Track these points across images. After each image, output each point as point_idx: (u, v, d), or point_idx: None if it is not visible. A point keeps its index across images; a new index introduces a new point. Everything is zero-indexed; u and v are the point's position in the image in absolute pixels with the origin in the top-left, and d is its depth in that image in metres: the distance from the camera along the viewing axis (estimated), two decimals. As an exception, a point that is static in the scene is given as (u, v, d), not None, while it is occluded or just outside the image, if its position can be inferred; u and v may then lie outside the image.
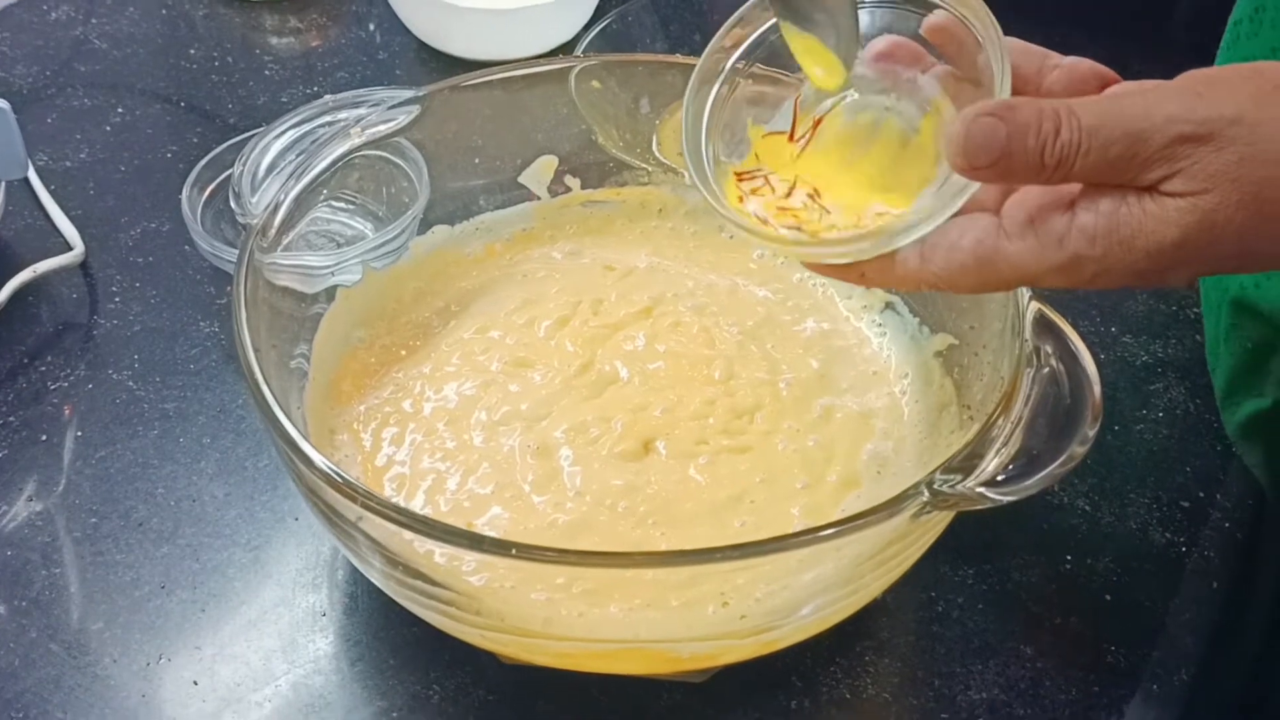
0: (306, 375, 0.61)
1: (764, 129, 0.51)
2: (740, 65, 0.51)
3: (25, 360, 0.70)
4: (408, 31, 0.94)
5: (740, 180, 0.50)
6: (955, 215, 0.44)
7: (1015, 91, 0.44)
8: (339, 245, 0.65)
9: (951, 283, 0.43)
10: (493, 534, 0.55)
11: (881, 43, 0.49)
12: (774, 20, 0.50)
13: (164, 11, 0.98)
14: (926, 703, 0.56)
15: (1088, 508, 0.64)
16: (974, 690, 0.57)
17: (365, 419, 0.61)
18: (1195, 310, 0.74)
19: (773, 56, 0.51)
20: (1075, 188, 0.41)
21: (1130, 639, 0.59)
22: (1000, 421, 0.49)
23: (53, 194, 0.79)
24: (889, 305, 0.66)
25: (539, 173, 0.71)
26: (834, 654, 0.58)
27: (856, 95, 0.50)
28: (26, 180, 0.79)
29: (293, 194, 0.61)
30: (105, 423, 0.67)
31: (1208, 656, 0.59)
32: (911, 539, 0.50)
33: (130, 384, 0.69)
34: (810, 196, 0.48)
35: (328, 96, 0.66)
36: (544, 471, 0.57)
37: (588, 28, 0.91)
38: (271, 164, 0.62)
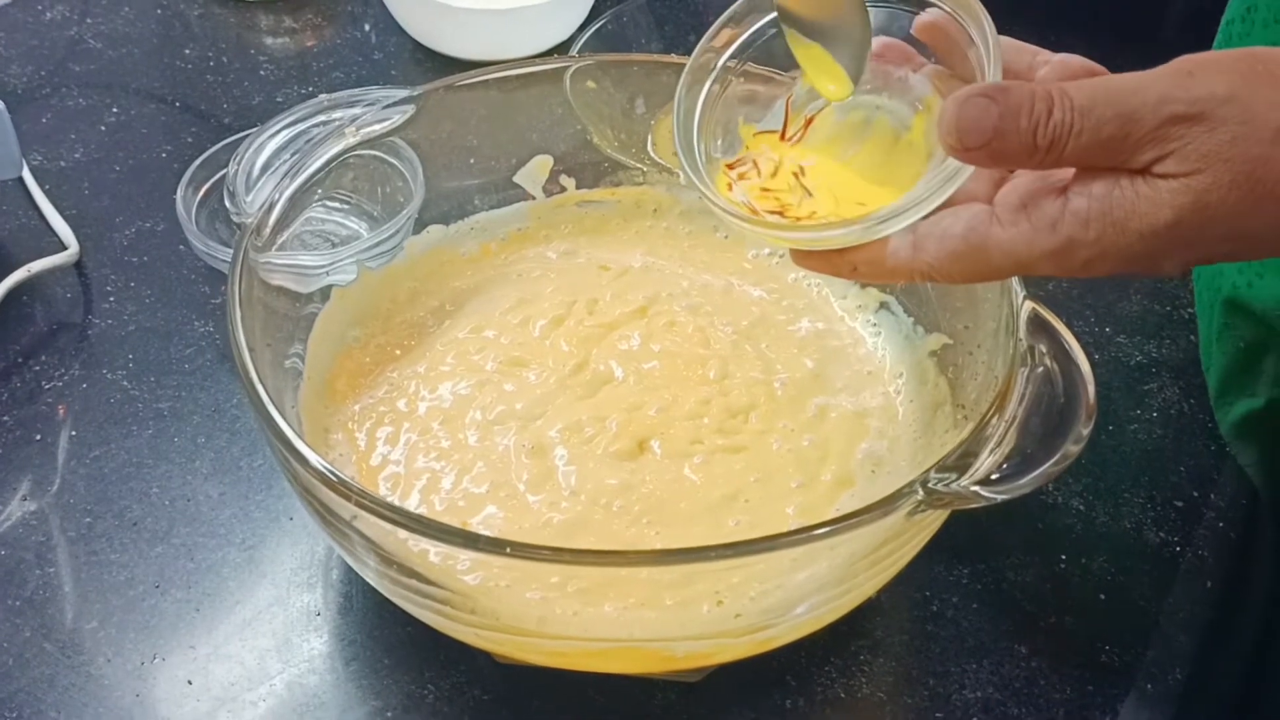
0: (301, 375, 0.61)
1: (755, 128, 0.51)
2: (732, 64, 0.52)
3: (19, 360, 0.70)
4: (403, 31, 0.94)
5: (730, 169, 0.50)
6: (947, 206, 0.44)
7: None
8: (334, 245, 0.65)
9: (944, 272, 0.43)
10: (487, 533, 0.55)
11: (873, 44, 0.49)
12: (765, 20, 0.50)
13: (159, 11, 0.98)
14: (921, 702, 0.57)
15: (1082, 507, 0.64)
16: (969, 689, 0.57)
17: (360, 418, 0.61)
18: (1189, 310, 0.74)
19: (764, 56, 0.51)
20: (1067, 174, 0.41)
21: (1125, 638, 0.59)
22: (994, 420, 0.49)
23: (47, 193, 0.79)
24: (884, 305, 0.66)
25: (534, 172, 0.71)
26: (829, 653, 0.58)
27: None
28: (21, 180, 0.79)
29: (287, 193, 0.61)
30: (100, 422, 0.67)
31: (1202, 655, 0.59)
32: (906, 538, 0.50)
33: (125, 383, 0.69)
34: (795, 175, 0.48)
35: (323, 96, 0.66)
36: (539, 471, 0.57)
37: (583, 28, 0.91)
38: (266, 163, 0.62)
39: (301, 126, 0.64)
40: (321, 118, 0.64)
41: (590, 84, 0.69)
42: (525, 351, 0.64)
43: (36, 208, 0.78)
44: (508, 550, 0.46)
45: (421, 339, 0.65)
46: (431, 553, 0.50)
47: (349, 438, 0.60)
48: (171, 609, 0.59)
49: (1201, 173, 0.38)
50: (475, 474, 0.58)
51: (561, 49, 0.92)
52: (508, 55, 0.89)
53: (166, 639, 0.58)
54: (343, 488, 0.47)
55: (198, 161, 0.76)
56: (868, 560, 0.49)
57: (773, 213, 0.47)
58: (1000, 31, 0.45)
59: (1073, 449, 0.47)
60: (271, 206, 0.60)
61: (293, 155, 0.62)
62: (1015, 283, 0.52)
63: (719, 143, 0.51)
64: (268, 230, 0.59)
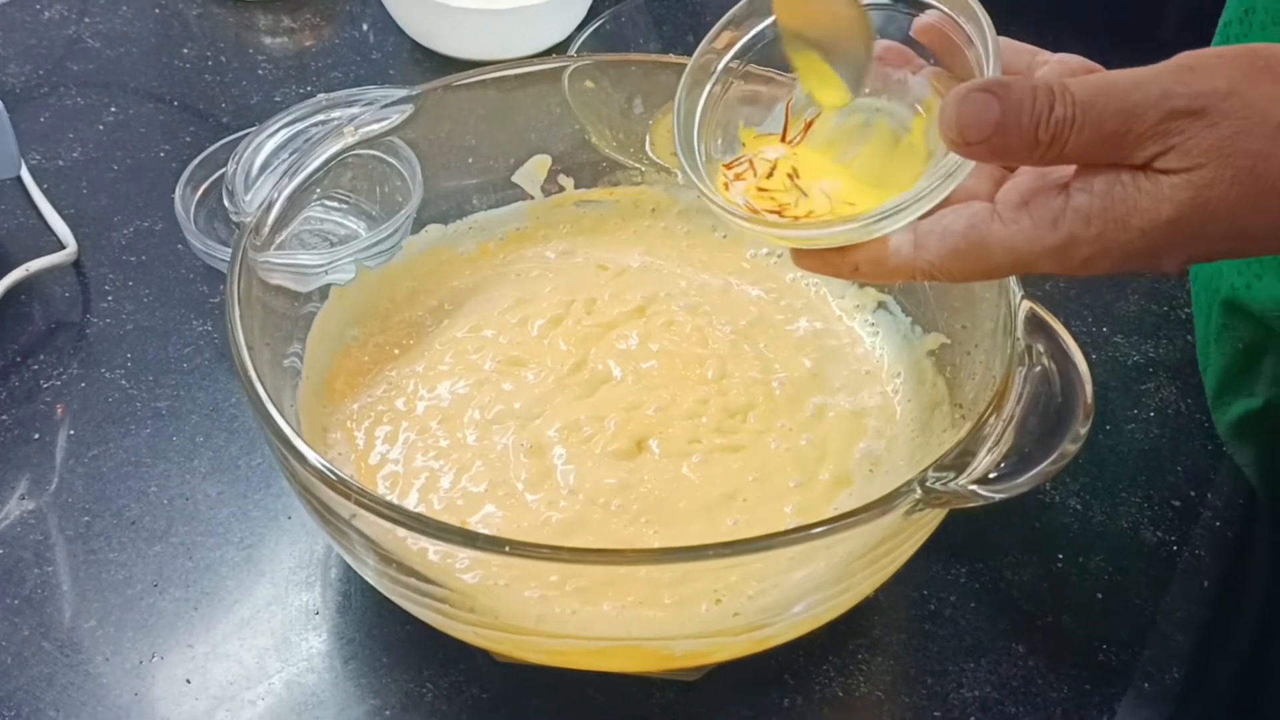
0: (300, 374, 0.61)
1: (755, 131, 0.52)
2: (733, 65, 0.52)
3: (18, 359, 0.70)
4: (401, 31, 0.94)
5: (727, 169, 0.50)
6: (948, 204, 0.44)
7: None
8: (332, 244, 0.65)
9: (946, 270, 0.43)
10: (486, 532, 0.55)
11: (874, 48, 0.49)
12: (766, 23, 0.50)
13: (157, 11, 0.98)
14: (919, 700, 0.57)
15: (1079, 506, 0.64)
16: (966, 688, 0.57)
17: (359, 417, 0.61)
18: (1186, 311, 0.74)
19: (765, 58, 0.51)
20: (1068, 171, 0.41)
21: (1122, 637, 0.59)
22: (992, 420, 0.49)
23: (45, 193, 0.79)
24: (881, 305, 0.66)
25: (532, 172, 0.71)
26: (827, 652, 0.58)
27: None
28: (19, 179, 0.79)
29: (286, 193, 0.61)
30: (98, 421, 0.67)
31: (1199, 655, 0.59)
32: (904, 537, 0.50)
33: (123, 382, 0.69)
34: (789, 176, 0.48)
35: (321, 96, 0.66)
36: (537, 470, 0.57)
37: (581, 28, 0.91)
38: (265, 163, 0.62)
39: (300, 126, 0.64)
40: (320, 117, 0.65)
41: (588, 84, 0.69)
42: (524, 351, 0.64)
43: (35, 207, 0.78)
44: (506, 549, 0.46)
45: (420, 338, 0.65)
46: (430, 551, 0.50)
47: (347, 437, 0.60)
48: (170, 608, 0.59)
49: (1203, 168, 0.38)
50: (474, 473, 0.58)
51: (560, 49, 0.92)
52: (506, 55, 0.89)
53: (165, 638, 0.58)
54: (341, 486, 0.47)
55: (196, 161, 0.76)
56: (865, 559, 0.49)
57: (771, 212, 0.48)
58: (999, 32, 0.45)
59: (1070, 448, 0.47)
60: (270, 206, 0.60)
61: (291, 155, 0.62)
62: (1013, 282, 0.52)
63: (719, 143, 0.51)
64: (266, 229, 0.59)
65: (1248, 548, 0.64)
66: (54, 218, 0.77)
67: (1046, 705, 0.56)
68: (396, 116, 0.65)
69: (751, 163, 0.50)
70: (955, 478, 0.47)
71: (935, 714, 0.56)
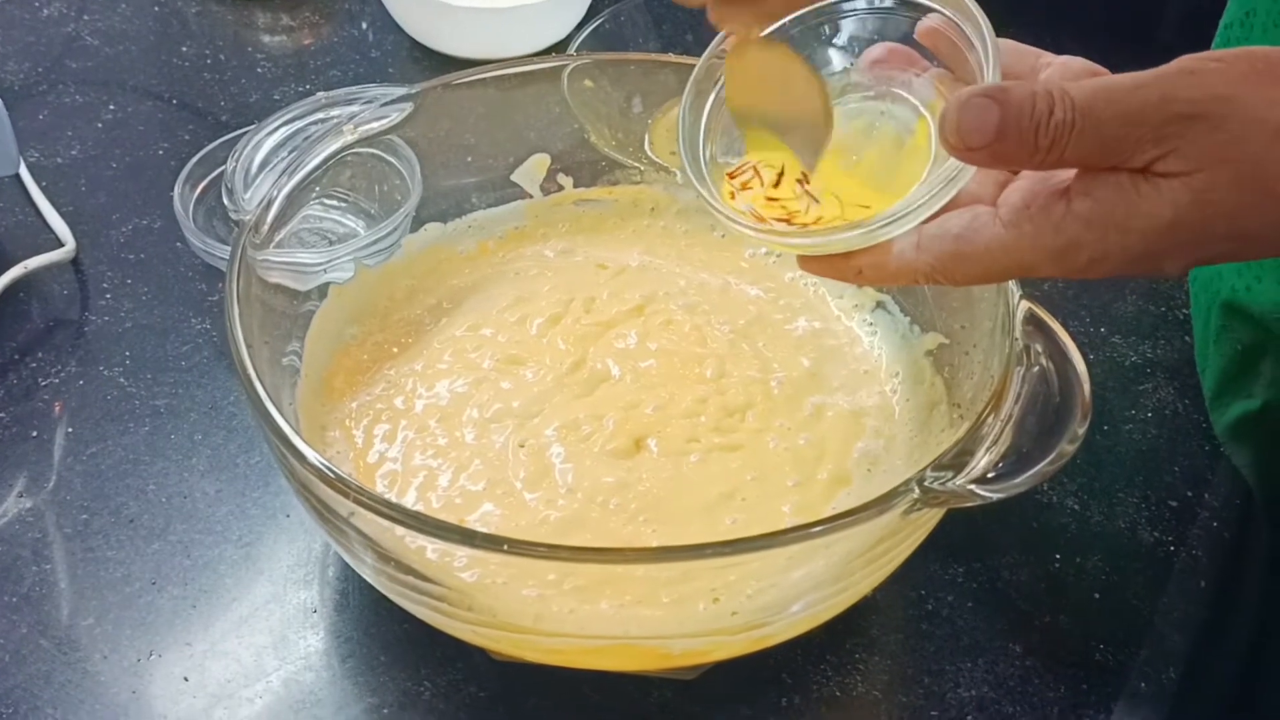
0: (298, 372, 0.61)
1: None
2: None
3: (16, 356, 0.70)
4: (400, 30, 0.94)
5: (731, 178, 0.50)
6: (950, 208, 0.44)
7: None
8: (331, 242, 0.65)
9: (947, 273, 0.43)
10: (484, 530, 0.55)
11: (876, 50, 0.49)
12: (771, 28, 0.50)
13: (156, 8, 0.97)
14: (916, 700, 0.57)
15: (1077, 507, 0.64)
16: (963, 688, 0.57)
17: (357, 416, 0.61)
18: (1184, 311, 0.74)
19: None
20: (1069, 175, 0.41)
21: (1119, 637, 0.59)
22: (990, 419, 0.49)
23: (44, 190, 0.79)
24: (880, 304, 0.67)
25: (531, 171, 0.71)
26: (824, 651, 0.58)
27: (852, 101, 0.50)
28: (18, 176, 0.79)
29: (285, 191, 0.61)
30: (96, 419, 0.67)
31: (1195, 655, 0.59)
32: (902, 536, 0.50)
33: (121, 380, 0.69)
34: (799, 181, 0.48)
35: (320, 94, 0.66)
36: (535, 468, 0.57)
37: (580, 27, 0.91)
38: (264, 161, 0.62)
39: (299, 124, 0.64)
40: (319, 115, 0.65)
41: (588, 83, 0.69)
42: (522, 349, 0.64)
43: (33, 205, 0.78)
44: (505, 547, 0.46)
45: (419, 337, 0.65)
46: (428, 549, 0.50)
47: (346, 435, 0.60)
48: (168, 606, 0.59)
49: (1203, 171, 0.38)
50: (472, 471, 0.58)
51: (559, 48, 0.92)
52: (505, 54, 0.89)
53: (163, 636, 0.58)
54: (340, 484, 0.47)
55: (195, 159, 0.76)
56: (864, 558, 0.49)
57: (780, 220, 0.48)
58: (998, 33, 0.45)
59: (1068, 448, 0.47)
60: (269, 204, 0.60)
61: (290, 153, 0.62)
62: (1011, 283, 0.53)
63: (723, 147, 0.51)
64: (265, 228, 0.59)
65: (1245, 548, 0.64)
66: (52, 215, 0.77)
67: (1043, 705, 0.56)
68: (396, 115, 0.65)
69: (756, 170, 0.50)
70: (953, 477, 0.47)
71: (932, 713, 0.56)
